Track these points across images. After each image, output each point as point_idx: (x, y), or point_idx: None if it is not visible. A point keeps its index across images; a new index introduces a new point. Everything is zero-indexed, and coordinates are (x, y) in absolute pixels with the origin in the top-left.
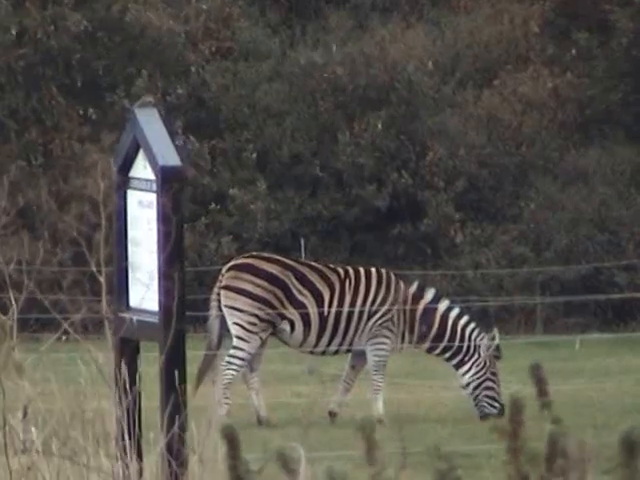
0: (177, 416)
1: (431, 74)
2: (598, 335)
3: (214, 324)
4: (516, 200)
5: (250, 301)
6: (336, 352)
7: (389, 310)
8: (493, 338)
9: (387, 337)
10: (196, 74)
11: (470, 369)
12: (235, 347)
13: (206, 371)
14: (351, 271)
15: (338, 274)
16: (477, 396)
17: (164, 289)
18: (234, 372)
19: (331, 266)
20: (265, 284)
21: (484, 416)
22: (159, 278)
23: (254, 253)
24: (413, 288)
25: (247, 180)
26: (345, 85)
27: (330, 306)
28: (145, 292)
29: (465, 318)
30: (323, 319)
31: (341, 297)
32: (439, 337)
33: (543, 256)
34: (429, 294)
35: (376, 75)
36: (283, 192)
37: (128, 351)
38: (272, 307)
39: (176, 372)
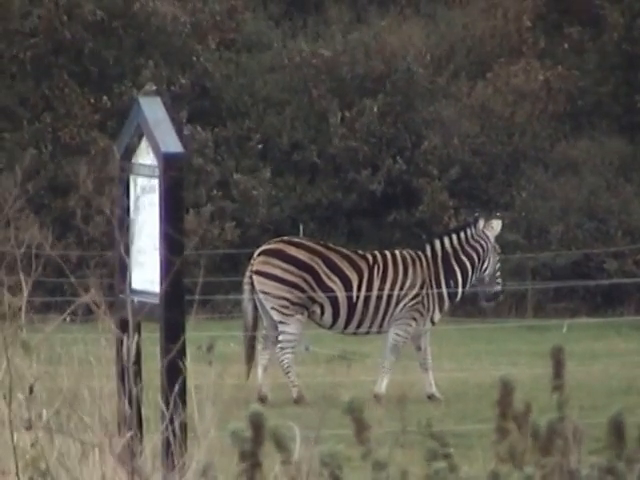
0: (178, 395)
1: (426, 66)
2: (586, 319)
3: (248, 307)
4: (508, 188)
5: (280, 285)
6: (367, 333)
7: (418, 294)
8: None
9: (414, 319)
10: (199, 64)
11: None
12: (281, 332)
13: (252, 352)
14: (379, 257)
15: (367, 260)
16: None
17: (165, 272)
18: (288, 355)
19: (360, 252)
20: (293, 269)
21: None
22: (160, 261)
23: (284, 238)
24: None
25: (250, 168)
26: (344, 75)
27: (359, 292)
28: (146, 274)
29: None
30: (352, 305)
31: (369, 283)
32: None
33: (534, 243)
34: None
35: (374, 65)
36: (284, 179)
37: (130, 332)
38: (301, 291)
39: (176, 352)
